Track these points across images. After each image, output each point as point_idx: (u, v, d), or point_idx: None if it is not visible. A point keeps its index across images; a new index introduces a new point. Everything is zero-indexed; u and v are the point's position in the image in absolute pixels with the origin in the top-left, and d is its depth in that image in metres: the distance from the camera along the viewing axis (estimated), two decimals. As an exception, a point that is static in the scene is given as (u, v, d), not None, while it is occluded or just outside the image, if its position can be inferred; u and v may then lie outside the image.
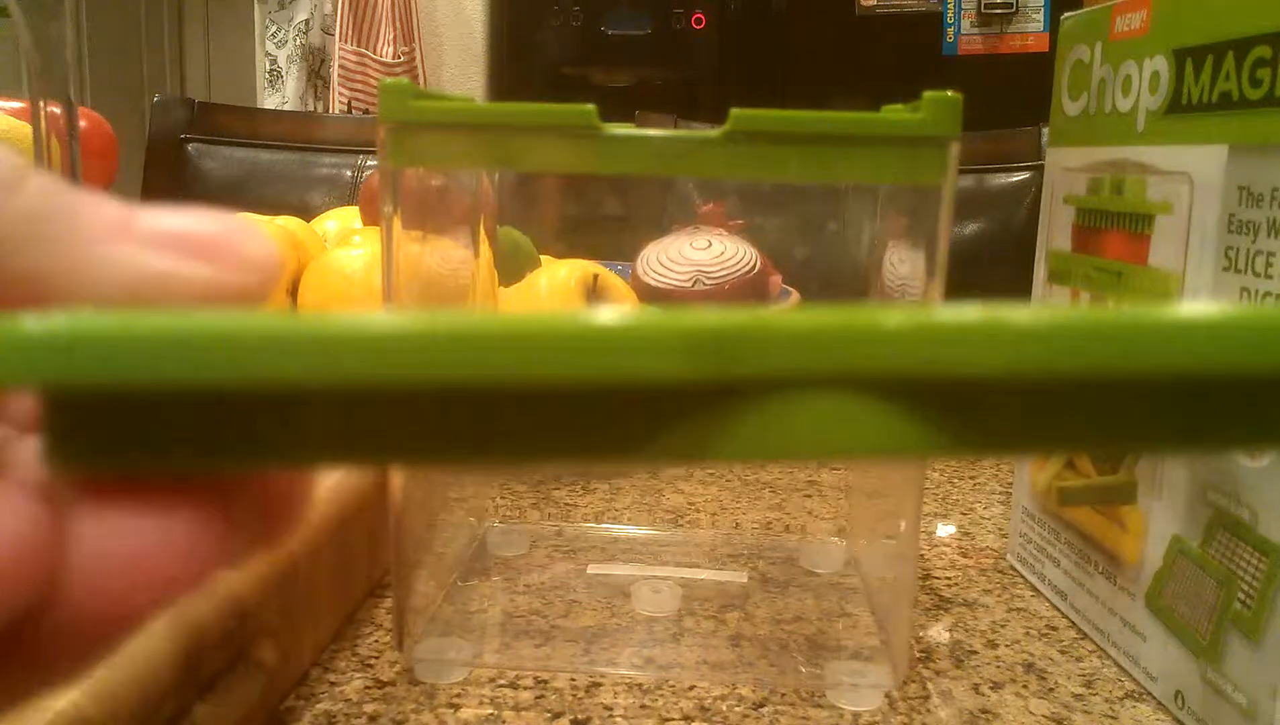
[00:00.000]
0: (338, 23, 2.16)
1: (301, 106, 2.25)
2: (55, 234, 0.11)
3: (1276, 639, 0.23)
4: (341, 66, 2.15)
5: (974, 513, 0.42)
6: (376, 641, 0.30)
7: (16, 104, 0.77)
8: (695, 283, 0.54)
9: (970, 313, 0.10)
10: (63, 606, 0.10)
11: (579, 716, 0.26)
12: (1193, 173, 0.27)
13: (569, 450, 0.10)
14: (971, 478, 0.47)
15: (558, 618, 0.31)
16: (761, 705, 0.27)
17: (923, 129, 0.24)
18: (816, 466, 0.47)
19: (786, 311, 0.10)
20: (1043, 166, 0.35)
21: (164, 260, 0.11)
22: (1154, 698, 0.28)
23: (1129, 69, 0.30)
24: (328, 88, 2.24)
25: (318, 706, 0.26)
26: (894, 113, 0.24)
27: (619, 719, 0.26)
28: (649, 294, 0.54)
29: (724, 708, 0.27)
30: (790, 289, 0.57)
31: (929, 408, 0.10)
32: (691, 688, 0.28)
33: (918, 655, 0.30)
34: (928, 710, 0.27)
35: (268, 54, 2.30)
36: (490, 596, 0.32)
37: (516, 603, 0.32)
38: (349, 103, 2.14)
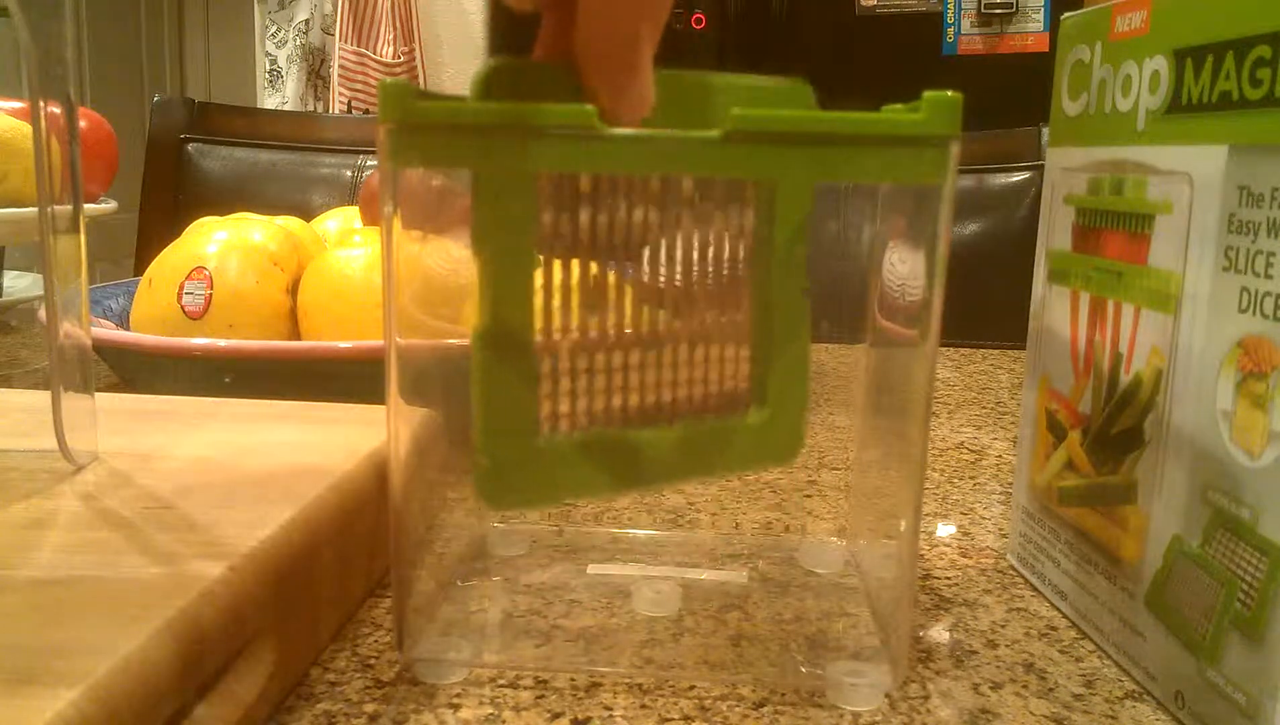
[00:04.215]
0: (338, 23, 2.16)
1: (301, 106, 2.25)
2: None
3: (1276, 639, 0.23)
4: (341, 66, 2.15)
5: (974, 513, 0.42)
6: (376, 641, 0.30)
7: (16, 104, 0.77)
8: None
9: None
10: None
11: (579, 716, 0.26)
12: (1193, 173, 0.27)
13: None
14: (971, 478, 0.47)
15: (558, 618, 0.31)
16: (761, 705, 0.27)
17: (923, 129, 0.24)
18: (817, 466, 0.47)
19: None
20: (1043, 166, 0.35)
21: None
22: (1154, 698, 0.28)
23: (1129, 69, 0.30)
24: (328, 88, 2.24)
25: (318, 706, 0.26)
26: (894, 113, 0.24)
27: (619, 719, 0.26)
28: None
29: (724, 708, 0.27)
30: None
31: None
32: (691, 688, 0.28)
33: (918, 655, 0.30)
34: (928, 710, 0.27)
35: (268, 54, 2.30)
36: (490, 596, 0.32)
37: (516, 603, 0.32)
38: (349, 103, 2.14)
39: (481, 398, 0.26)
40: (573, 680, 0.28)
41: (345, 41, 2.15)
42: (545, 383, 0.26)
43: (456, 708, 0.26)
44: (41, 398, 0.31)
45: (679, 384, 0.28)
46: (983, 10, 2.01)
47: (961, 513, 0.42)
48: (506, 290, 0.25)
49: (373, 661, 0.29)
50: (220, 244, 0.56)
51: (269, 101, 2.28)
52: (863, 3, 2.07)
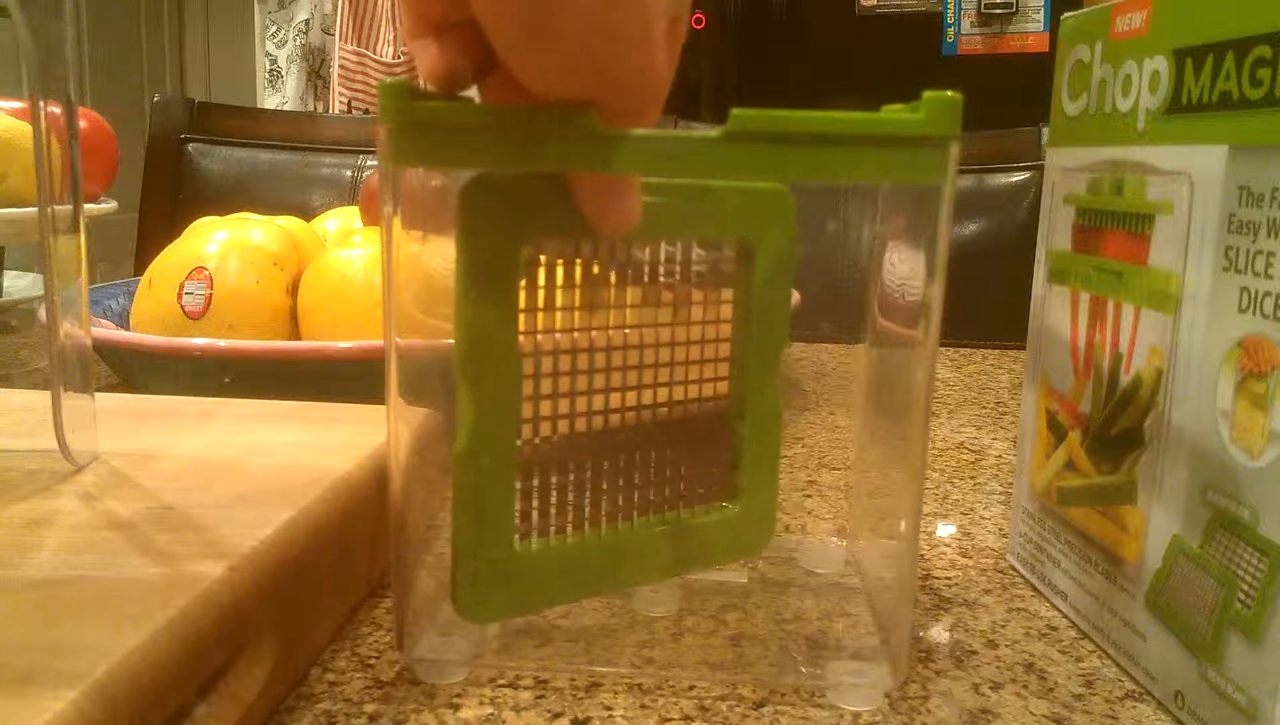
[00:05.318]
0: (338, 23, 2.16)
1: (301, 106, 2.25)
2: None
3: (1276, 639, 0.23)
4: (341, 66, 2.15)
5: (974, 513, 0.42)
6: (376, 641, 0.30)
7: (16, 104, 0.77)
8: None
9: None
10: None
11: (579, 716, 0.26)
12: (1193, 173, 0.27)
13: None
14: (971, 478, 0.47)
15: (558, 618, 0.31)
16: (761, 705, 0.27)
17: (923, 129, 0.24)
18: (817, 466, 0.47)
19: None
20: (1043, 166, 0.35)
21: None
22: (1154, 698, 0.28)
23: (1129, 69, 0.30)
24: (328, 88, 2.24)
25: (318, 706, 0.26)
26: (894, 113, 0.24)
27: (619, 719, 0.26)
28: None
29: (724, 708, 0.27)
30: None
31: None
32: (691, 688, 0.28)
33: (918, 655, 0.30)
34: (928, 710, 0.27)
35: (268, 54, 2.30)
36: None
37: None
38: (349, 103, 2.14)
39: (461, 516, 0.26)
40: (573, 680, 0.28)
41: (345, 41, 2.14)
42: (525, 499, 0.27)
43: (456, 708, 0.26)
44: (41, 398, 0.31)
45: (657, 483, 0.29)
46: (983, 10, 2.01)
47: (961, 513, 0.42)
48: (491, 409, 0.26)
49: (373, 661, 0.29)
50: (220, 244, 0.56)
51: (269, 101, 2.28)
52: (863, 3, 2.07)
